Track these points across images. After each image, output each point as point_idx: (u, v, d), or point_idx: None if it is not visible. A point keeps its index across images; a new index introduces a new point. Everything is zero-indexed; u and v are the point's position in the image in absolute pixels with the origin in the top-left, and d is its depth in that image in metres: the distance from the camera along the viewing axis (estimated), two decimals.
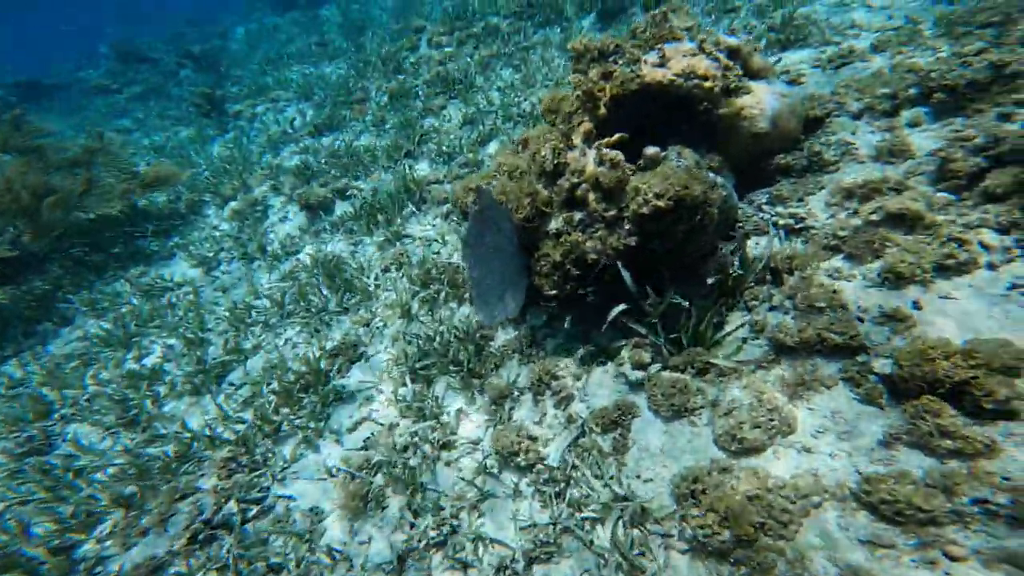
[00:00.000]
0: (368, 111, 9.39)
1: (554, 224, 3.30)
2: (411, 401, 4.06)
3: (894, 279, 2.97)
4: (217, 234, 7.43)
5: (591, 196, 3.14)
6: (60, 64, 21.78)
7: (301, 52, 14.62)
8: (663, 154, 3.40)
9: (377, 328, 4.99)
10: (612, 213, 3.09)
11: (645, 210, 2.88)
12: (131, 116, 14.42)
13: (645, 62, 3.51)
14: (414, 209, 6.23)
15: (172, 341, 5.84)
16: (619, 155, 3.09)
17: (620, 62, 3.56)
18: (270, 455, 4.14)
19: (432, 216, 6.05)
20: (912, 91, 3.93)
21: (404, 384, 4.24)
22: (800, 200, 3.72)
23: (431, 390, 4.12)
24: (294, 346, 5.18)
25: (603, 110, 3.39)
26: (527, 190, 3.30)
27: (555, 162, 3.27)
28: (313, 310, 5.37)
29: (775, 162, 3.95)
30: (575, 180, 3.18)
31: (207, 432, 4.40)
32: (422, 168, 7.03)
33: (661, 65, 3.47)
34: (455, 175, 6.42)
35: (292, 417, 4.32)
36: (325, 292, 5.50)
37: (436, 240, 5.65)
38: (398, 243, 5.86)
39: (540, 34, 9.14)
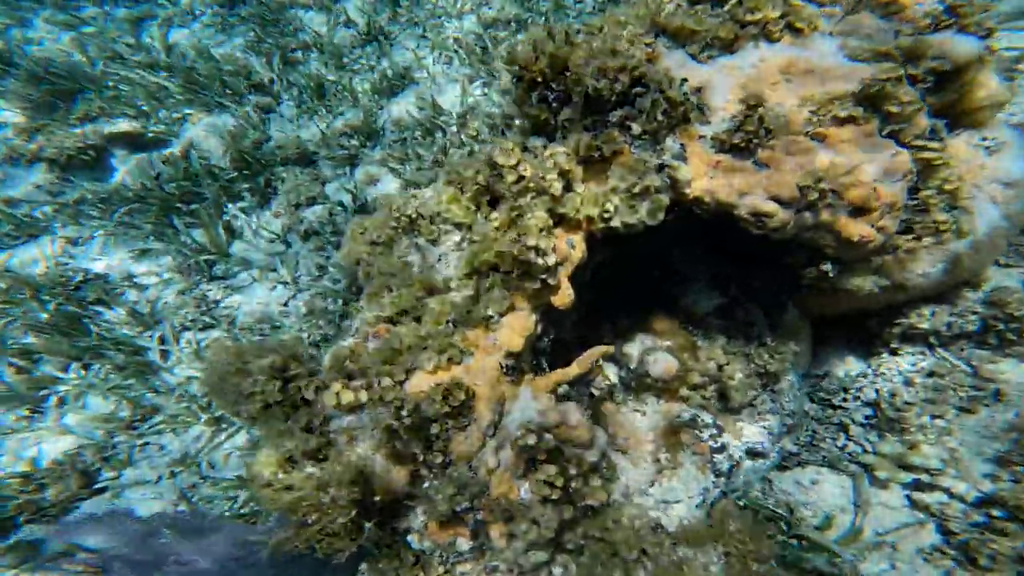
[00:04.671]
0: None
1: (418, 535, 1.50)
2: None
3: None
4: None
5: (497, 531, 1.38)
6: None
7: None
8: (679, 414, 1.69)
9: (147, 440, 3.04)
10: (540, 558, 1.39)
11: None
12: None
13: (690, 139, 1.52)
14: (249, 203, 3.90)
15: None
16: (573, 423, 1.31)
17: (636, 130, 1.51)
18: None
19: (279, 223, 3.81)
20: None
21: None
22: (938, 419, 2.02)
23: None
24: None
25: (566, 294, 1.48)
26: (345, 484, 1.35)
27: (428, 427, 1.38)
28: (23, 388, 3.17)
29: (906, 321, 2.12)
30: (462, 502, 1.37)
31: None
32: (281, 117, 4.48)
33: (735, 149, 1.50)
34: (334, 149, 4.06)
35: None
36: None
37: (281, 279, 3.55)
38: (216, 270, 3.64)
39: None
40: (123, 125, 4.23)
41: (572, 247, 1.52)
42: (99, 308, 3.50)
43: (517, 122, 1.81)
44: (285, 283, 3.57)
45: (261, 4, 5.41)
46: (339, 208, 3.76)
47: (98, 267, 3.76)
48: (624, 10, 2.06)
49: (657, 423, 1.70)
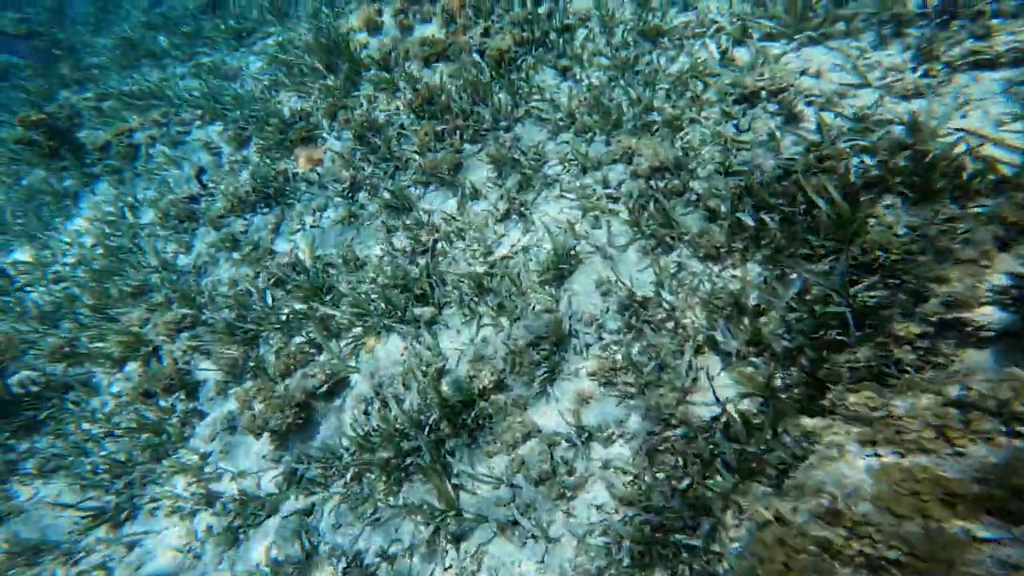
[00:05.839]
0: (322, 160, 6.20)
1: None
2: None
3: None
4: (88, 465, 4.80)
5: None
6: None
7: (184, 19, 10.16)
8: None
9: None
10: None
11: None
12: None
13: None
14: (457, 444, 3.79)
15: None
16: None
17: None
18: None
19: (497, 466, 3.64)
20: None
21: None
22: None
23: None
24: None
25: None
26: None
27: None
28: None
29: None
30: None
31: None
32: (448, 327, 4.36)
33: None
34: (532, 370, 3.83)
35: None
36: None
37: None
38: (451, 528, 3.54)
39: None
40: (318, 376, 4.35)
41: None
42: None
43: None
44: (534, 536, 3.37)
45: (379, 189, 5.45)
46: (563, 442, 3.52)
47: (341, 540, 3.85)
48: None
49: None
